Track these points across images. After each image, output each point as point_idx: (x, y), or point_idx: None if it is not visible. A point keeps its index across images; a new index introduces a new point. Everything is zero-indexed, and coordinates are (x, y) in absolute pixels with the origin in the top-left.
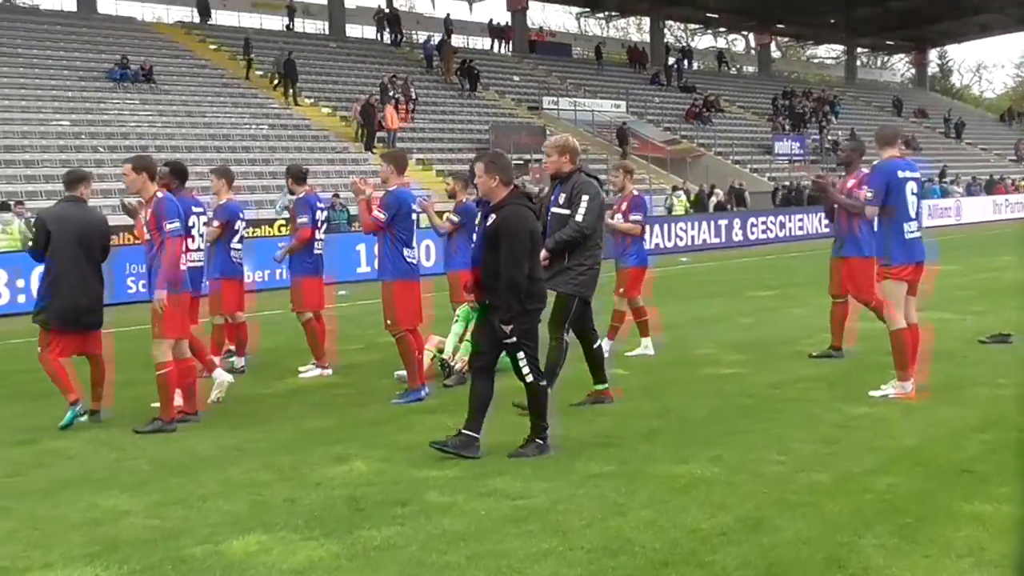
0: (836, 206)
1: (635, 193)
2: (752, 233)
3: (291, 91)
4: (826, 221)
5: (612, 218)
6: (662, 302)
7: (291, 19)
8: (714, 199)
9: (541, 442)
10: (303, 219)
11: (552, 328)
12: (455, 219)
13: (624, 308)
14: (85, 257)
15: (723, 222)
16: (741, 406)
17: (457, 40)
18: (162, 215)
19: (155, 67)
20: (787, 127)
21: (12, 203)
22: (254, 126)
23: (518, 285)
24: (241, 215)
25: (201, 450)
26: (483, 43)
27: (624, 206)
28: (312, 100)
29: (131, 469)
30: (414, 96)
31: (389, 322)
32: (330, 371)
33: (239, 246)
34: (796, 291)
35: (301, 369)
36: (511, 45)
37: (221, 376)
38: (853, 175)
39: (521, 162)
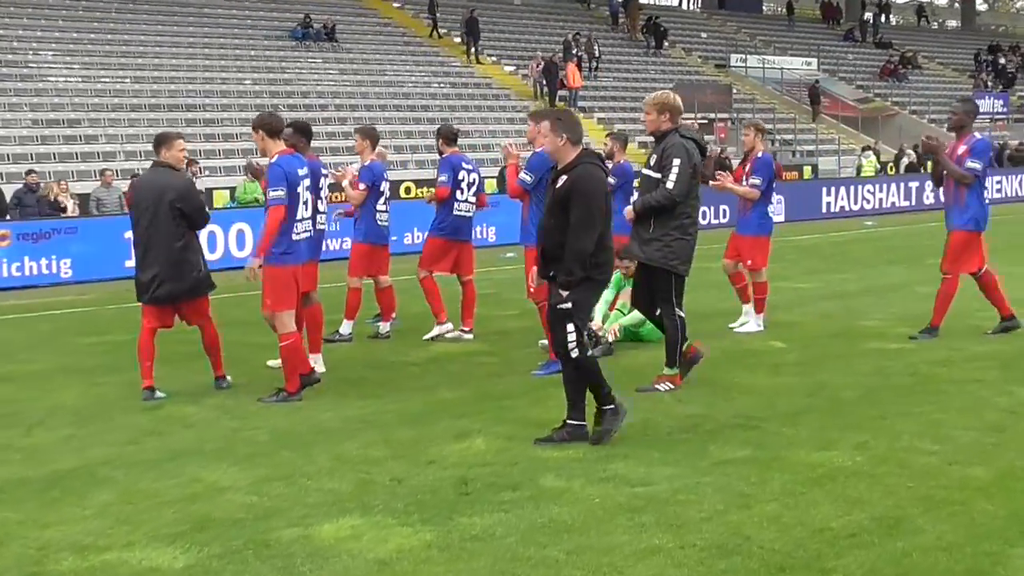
0: (945, 173)
1: (761, 154)
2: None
3: (473, 50)
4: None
5: (739, 181)
6: (838, 268)
7: None
8: (905, 160)
9: (575, 425)
10: (443, 178)
11: (663, 306)
12: (612, 181)
13: (751, 278)
14: (164, 225)
15: (913, 184)
16: (901, 386)
17: None
18: (269, 181)
19: (337, 26)
20: (990, 84)
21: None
22: (435, 85)
23: (584, 250)
24: (385, 176)
25: (323, 421)
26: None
27: (748, 168)
28: (495, 59)
29: (247, 440)
30: (597, 54)
31: (532, 289)
32: (450, 326)
33: (384, 208)
34: None
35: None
36: (700, 1)
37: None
38: (964, 139)
39: (706, 121)
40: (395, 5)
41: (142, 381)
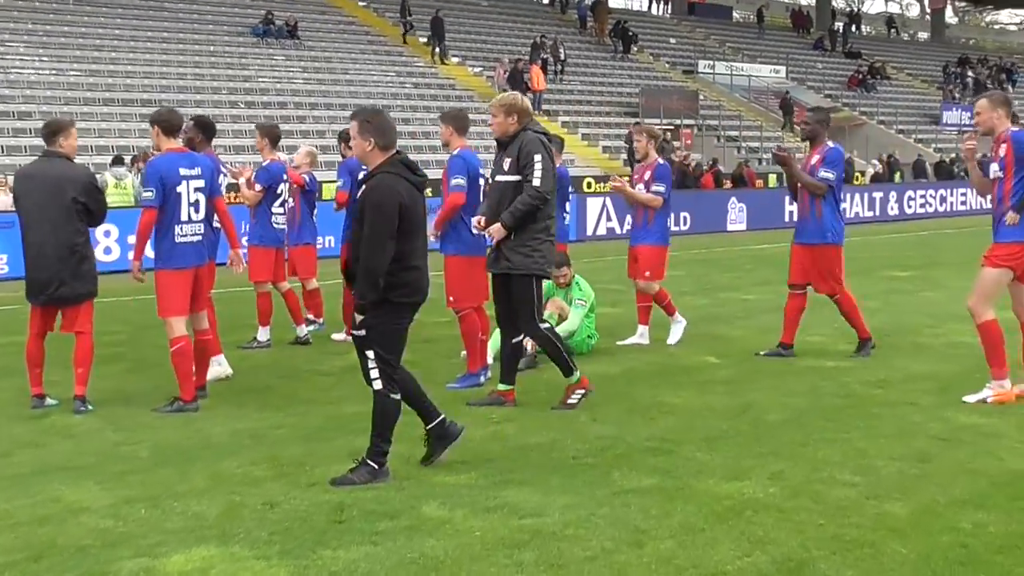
0: (799, 185)
1: (661, 162)
2: (909, 207)
3: (438, 50)
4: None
5: (634, 187)
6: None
7: None
8: (870, 170)
9: (376, 466)
10: (340, 182)
11: (524, 324)
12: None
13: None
14: (57, 219)
15: (877, 195)
16: (831, 408)
17: (616, 1)
18: (142, 181)
19: (300, 23)
20: (958, 96)
21: (129, 158)
22: (398, 84)
23: (373, 269)
24: (284, 178)
25: (213, 435)
26: (641, 4)
27: (647, 175)
28: (459, 59)
29: (125, 456)
30: (563, 57)
31: (451, 298)
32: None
33: (281, 210)
34: (937, 272)
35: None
36: (670, 7)
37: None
38: (817, 150)
39: (672, 127)
40: (360, 4)
41: (30, 388)
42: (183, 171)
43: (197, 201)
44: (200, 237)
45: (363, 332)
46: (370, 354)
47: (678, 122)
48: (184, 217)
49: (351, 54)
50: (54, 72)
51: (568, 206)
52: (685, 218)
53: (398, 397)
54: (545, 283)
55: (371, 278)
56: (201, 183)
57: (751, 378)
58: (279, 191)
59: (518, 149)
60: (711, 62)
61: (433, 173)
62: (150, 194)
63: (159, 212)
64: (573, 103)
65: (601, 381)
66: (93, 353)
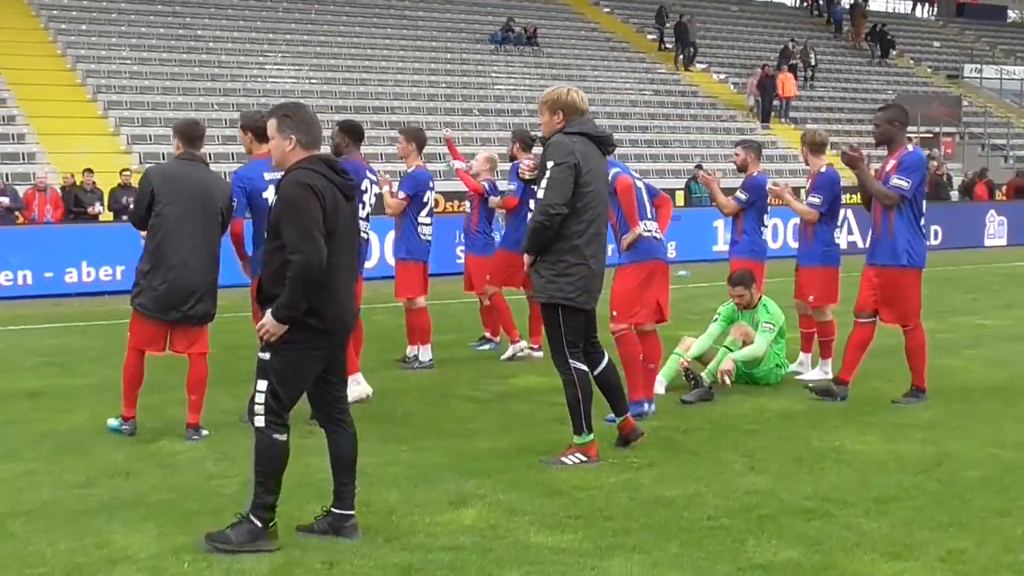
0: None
1: (823, 170)
2: None
3: (681, 56)
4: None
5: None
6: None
7: None
8: None
9: (259, 524)
10: (512, 186)
11: (554, 357)
12: (743, 197)
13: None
14: (211, 231)
15: None
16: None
17: (877, 4)
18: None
19: (540, 30)
20: None
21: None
22: (637, 91)
23: (310, 267)
24: (431, 186)
25: (313, 471)
26: (904, 7)
27: (809, 184)
28: (704, 66)
29: (208, 493)
30: (813, 62)
31: (614, 313)
32: (523, 344)
33: (428, 220)
34: None
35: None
36: (935, 8)
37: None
38: (895, 154)
39: (930, 135)
40: (604, 10)
41: (125, 411)
42: (268, 175)
43: None
44: None
45: (267, 355)
46: (262, 385)
47: (937, 130)
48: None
49: (591, 60)
50: (293, 80)
51: (766, 219)
52: (936, 232)
53: (284, 438)
54: (727, 306)
55: (306, 280)
56: None
57: (959, 421)
58: (425, 199)
59: (542, 154)
60: (978, 65)
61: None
62: (235, 204)
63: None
64: (823, 110)
65: (778, 420)
66: (207, 378)
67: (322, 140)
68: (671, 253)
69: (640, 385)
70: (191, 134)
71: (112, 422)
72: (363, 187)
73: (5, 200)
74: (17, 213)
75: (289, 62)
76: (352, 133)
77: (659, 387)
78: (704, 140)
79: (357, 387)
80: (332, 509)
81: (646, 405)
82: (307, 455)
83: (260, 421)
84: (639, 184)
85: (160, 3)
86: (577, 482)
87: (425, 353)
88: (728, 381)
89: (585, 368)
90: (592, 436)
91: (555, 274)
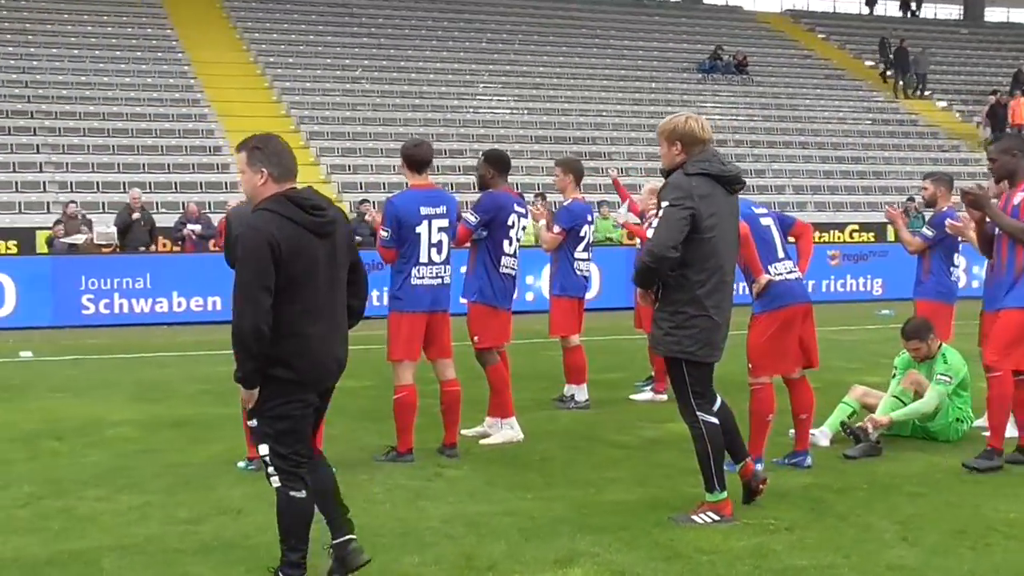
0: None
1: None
2: None
3: (900, 83)
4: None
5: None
6: None
7: (916, 3)
8: None
9: None
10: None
11: (681, 411)
12: (929, 234)
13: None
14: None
15: None
16: None
17: None
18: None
19: (750, 58)
20: None
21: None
22: (851, 120)
23: (243, 331)
24: (589, 219)
25: (427, 517)
26: None
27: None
28: (929, 92)
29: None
30: None
31: (749, 365)
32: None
33: (585, 255)
34: None
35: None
36: None
37: (502, 432)
38: (1020, 187)
39: None
40: (818, 36)
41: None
42: (424, 210)
43: (440, 242)
44: (440, 280)
45: (254, 422)
46: (263, 449)
47: None
48: (424, 259)
49: (803, 88)
50: (495, 110)
51: (956, 257)
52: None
53: (303, 495)
54: (903, 356)
55: (242, 342)
56: (445, 223)
57: None
58: (582, 233)
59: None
60: None
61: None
62: (385, 233)
63: (398, 252)
64: None
65: (948, 482)
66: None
67: (296, 171)
68: (876, 290)
69: (759, 444)
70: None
71: (241, 464)
72: (510, 221)
73: (198, 228)
74: (211, 240)
75: (492, 92)
76: (497, 164)
77: (822, 439)
78: (921, 171)
79: (510, 431)
80: (332, 542)
81: (760, 465)
82: (423, 499)
83: (275, 482)
84: (766, 222)
85: (366, 36)
86: (702, 544)
87: (581, 392)
88: (871, 429)
89: (716, 421)
90: (725, 494)
91: (674, 326)
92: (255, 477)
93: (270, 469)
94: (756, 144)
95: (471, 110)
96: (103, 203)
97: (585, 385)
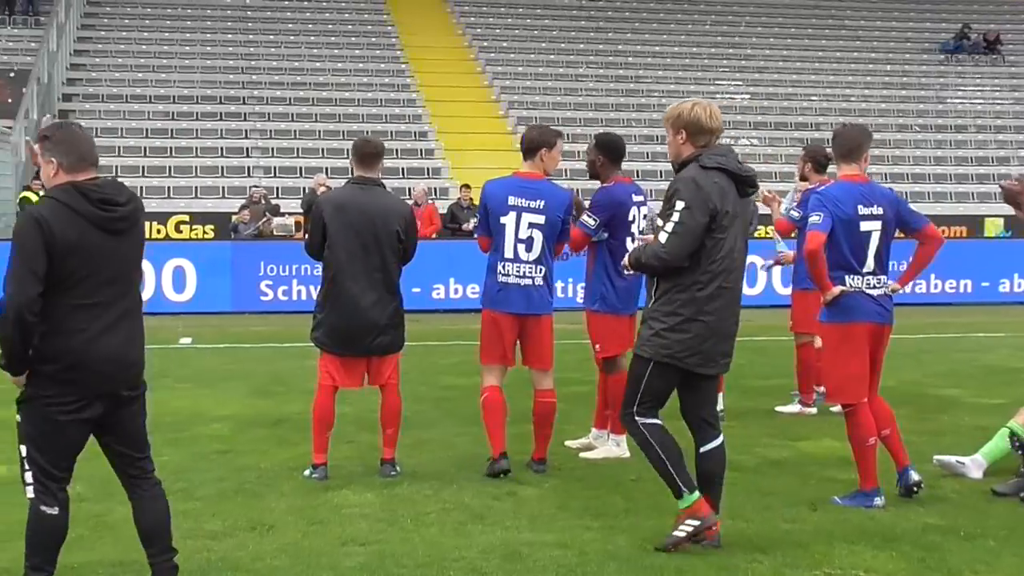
0: None
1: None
2: None
3: None
4: None
5: None
6: None
7: None
8: None
9: None
10: (814, 217)
11: (621, 415)
12: None
13: None
14: (389, 257)
15: None
16: None
17: None
18: None
19: (1004, 36)
20: None
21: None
22: None
23: (7, 323)
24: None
25: (475, 545)
26: None
27: None
28: None
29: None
30: None
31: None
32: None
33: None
34: None
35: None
36: None
37: (606, 447)
38: None
39: None
40: None
41: (315, 455)
42: (513, 200)
43: (530, 238)
44: (531, 281)
45: (18, 416)
46: (22, 449)
47: None
48: (509, 254)
49: None
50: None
51: None
52: None
53: (54, 512)
54: None
55: (4, 334)
56: (540, 219)
57: None
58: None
59: (669, 186)
60: None
61: None
62: (476, 219)
63: (490, 242)
64: None
65: None
66: (401, 411)
67: (96, 160)
68: None
69: (871, 474)
70: (363, 154)
71: (306, 472)
72: (630, 216)
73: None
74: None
75: (711, 76)
76: (609, 150)
77: (975, 470)
78: None
79: (616, 448)
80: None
81: (877, 499)
82: (476, 522)
83: (29, 492)
84: (869, 226)
85: (585, 19)
86: None
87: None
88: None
89: (658, 422)
90: (696, 494)
91: (666, 328)
92: (310, 488)
93: (27, 475)
94: (1002, 130)
95: (687, 94)
96: (304, 189)
97: (721, 395)
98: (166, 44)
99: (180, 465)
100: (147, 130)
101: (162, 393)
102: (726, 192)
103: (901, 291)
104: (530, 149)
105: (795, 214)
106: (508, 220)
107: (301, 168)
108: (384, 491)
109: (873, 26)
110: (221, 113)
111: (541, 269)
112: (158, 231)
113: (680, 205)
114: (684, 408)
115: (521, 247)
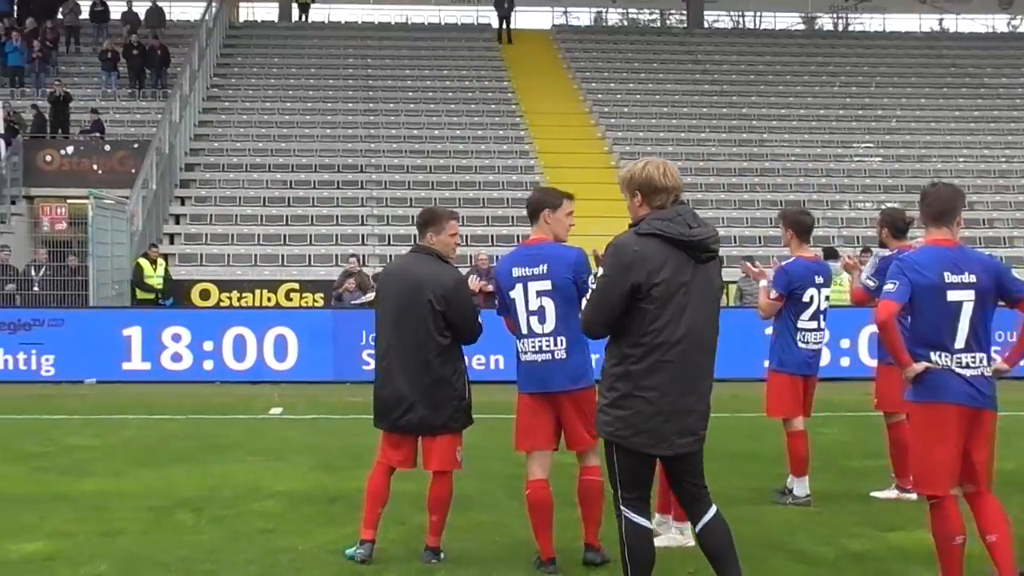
0: None
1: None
2: None
3: None
4: None
5: None
6: None
7: None
8: None
9: None
10: (889, 285)
11: (613, 496)
12: None
13: None
14: (418, 328)
15: None
16: None
17: None
18: None
19: None
20: None
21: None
22: None
23: None
24: (819, 279)
25: None
26: None
27: None
28: None
29: None
30: None
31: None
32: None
33: (812, 324)
34: None
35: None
36: None
37: (668, 536)
38: None
39: None
40: None
41: (362, 530)
42: (516, 271)
43: (541, 308)
44: (550, 355)
45: None
46: None
47: None
48: (524, 330)
49: None
50: (839, 159)
51: None
52: None
53: None
54: None
55: None
56: (546, 284)
57: None
58: (807, 298)
59: None
60: None
61: None
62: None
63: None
64: None
65: None
66: (450, 499)
67: None
68: None
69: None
70: (418, 222)
71: (349, 550)
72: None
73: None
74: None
75: (840, 139)
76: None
77: None
78: None
79: (680, 537)
80: None
81: None
82: None
83: None
84: (959, 296)
85: (708, 83)
86: None
87: (801, 486)
88: None
89: (642, 522)
90: None
91: (607, 403)
92: (343, 572)
93: None
94: None
95: (819, 159)
96: None
97: (806, 479)
98: (287, 114)
99: (214, 545)
100: (264, 199)
101: (229, 466)
102: (664, 260)
103: (1009, 371)
104: (532, 212)
105: (870, 283)
106: (517, 294)
107: (414, 236)
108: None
109: (1016, 83)
110: (338, 181)
111: (561, 340)
112: (268, 299)
113: (600, 272)
114: (668, 482)
115: (534, 320)
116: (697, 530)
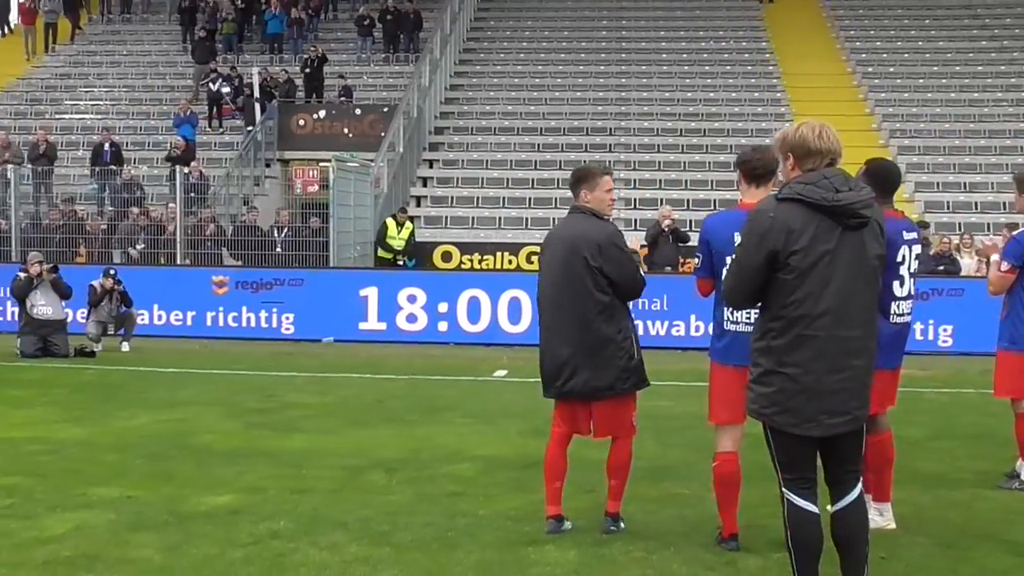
0: None
1: None
2: None
3: None
4: None
5: None
6: None
7: None
8: None
9: None
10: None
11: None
12: None
13: None
14: (578, 289)
15: None
16: None
17: None
18: None
19: None
20: None
21: None
22: None
23: None
24: None
25: None
26: None
27: None
28: None
29: None
30: None
31: None
32: None
33: None
34: None
35: None
36: None
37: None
38: None
39: None
40: None
41: (546, 507)
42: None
43: None
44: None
45: None
46: None
47: None
48: None
49: None
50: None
51: None
52: None
53: None
54: None
55: None
56: None
57: None
58: None
59: None
60: None
61: None
62: (697, 260)
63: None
64: None
65: None
66: (631, 463)
67: None
68: None
69: None
70: (572, 180)
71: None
72: (899, 257)
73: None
74: None
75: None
76: (878, 178)
77: None
78: None
79: (880, 519)
80: None
81: None
82: None
83: None
84: None
85: (986, 39)
86: None
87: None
88: None
89: (805, 505)
90: None
91: (752, 379)
92: (514, 541)
93: None
94: None
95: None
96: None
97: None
98: (538, 77)
99: (398, 507)
100: (511, 162)
101: (436, 427)
102: (803, 227)
103: None
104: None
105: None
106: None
107: (662, 199)
108: (591, 549)
109: None
110: (586, 144)
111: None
112: (509, 261)
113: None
114: (823, 465)
115: None
116: (831, 512)
